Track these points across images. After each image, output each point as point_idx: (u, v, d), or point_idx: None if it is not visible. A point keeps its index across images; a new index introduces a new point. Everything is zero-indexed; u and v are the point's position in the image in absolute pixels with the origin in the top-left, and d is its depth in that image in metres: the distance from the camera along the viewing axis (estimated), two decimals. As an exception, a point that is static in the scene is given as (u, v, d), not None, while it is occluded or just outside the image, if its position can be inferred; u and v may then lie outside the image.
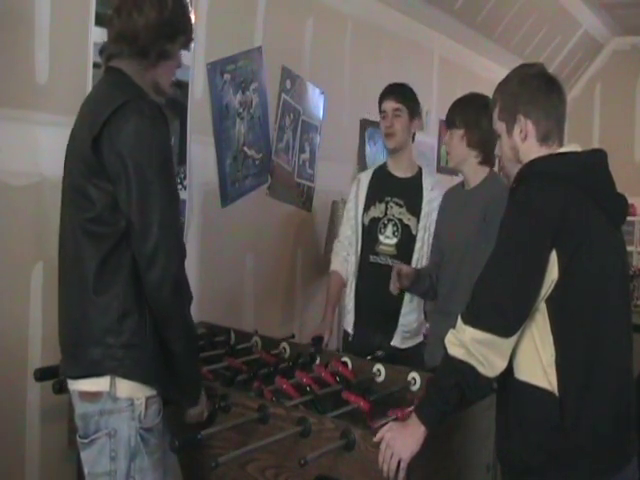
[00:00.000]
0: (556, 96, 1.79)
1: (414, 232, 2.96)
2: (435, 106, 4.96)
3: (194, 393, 1.94)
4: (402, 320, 2.95)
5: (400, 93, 3.02)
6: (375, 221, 3.02)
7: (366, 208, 3.05)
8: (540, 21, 5.77)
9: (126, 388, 1.77)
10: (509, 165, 1.84)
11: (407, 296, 2.94)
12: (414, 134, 3.07)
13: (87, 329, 1.78)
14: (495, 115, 1.85)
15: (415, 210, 2.97)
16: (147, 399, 1.80)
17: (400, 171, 3.06)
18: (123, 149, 1.72)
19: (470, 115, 2.59)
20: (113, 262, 1.77)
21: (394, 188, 3.03)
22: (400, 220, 2.98)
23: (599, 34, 6.84)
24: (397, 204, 3.00)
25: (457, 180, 2.93)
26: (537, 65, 1.85)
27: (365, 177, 3.13)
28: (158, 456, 1.84)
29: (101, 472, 1.79)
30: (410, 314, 2.96)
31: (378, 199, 3.03)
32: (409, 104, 3.00)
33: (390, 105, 2.99)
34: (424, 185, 3.01)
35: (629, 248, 6.97)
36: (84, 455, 1.83)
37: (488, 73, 5.23)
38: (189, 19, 1.95)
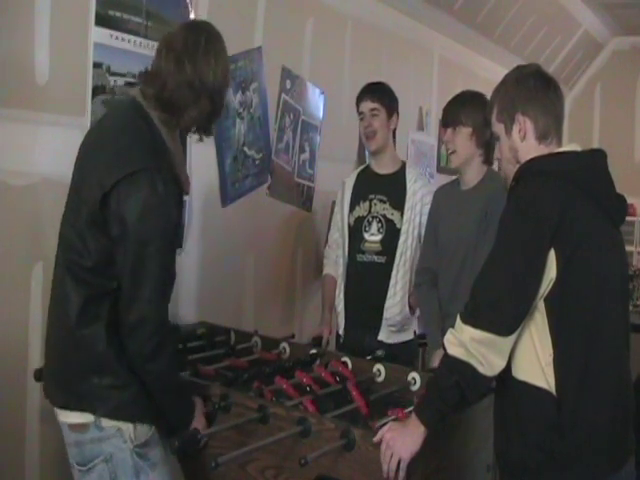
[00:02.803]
0: (553, 93, 1.79)
1: (398, 226, 2.98)
2: (435, 106, 4.96)
3: (183, 422, 1.92)
4: (386, 314, 2.98)
5: (376, 92, 3.03)
6: (360, 220, 3.04)
7: (351, 209, 3.08)
8: (540, 21, 5.77)
9: (111, 420, 1.78)
10: (509, 167, 1.84)
11: (391, 290, 2.97)
12: (394, 131, 3.09)
13: (73, 365, 1.80)
14: (493, 118, 1.85)
15: (398, 204, 2.99)
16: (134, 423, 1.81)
17: (383, 168, 3.09)
18: (128, 217, 1.71)
19: (477, 112, 2.55)
20: (97, 305, 1.77)
21: (377, 185, 3.06)
22: (384, 216, 3.00)
23: (599, 34, 6.84)
24: (381, 200, 3.02)
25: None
26: (532, 65, 1.86)
27: (349, 181, 3.16)
28: (161, 461, 1.84)
29: None
30: (393, 307, 2.98)
31: (362, 198, 3.06)
32: (386, 102, 3.02)
33: (367, 105, 3.01)
34: (407, 178, 3.03)
35: (629, 248, 6.97)
36: None
37: (488, 73, 5.23)
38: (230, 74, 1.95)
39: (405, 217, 2.96)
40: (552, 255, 1.62)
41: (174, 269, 1.84)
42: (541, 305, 1.65)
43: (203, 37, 1.82)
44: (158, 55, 1.83)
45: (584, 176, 1.71)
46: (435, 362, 2.67)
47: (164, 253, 1.77)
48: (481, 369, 1.64)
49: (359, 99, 3.05)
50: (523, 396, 1.68)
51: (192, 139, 2.95)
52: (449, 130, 2.65)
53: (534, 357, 1.67)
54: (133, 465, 1.79)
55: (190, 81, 1.79)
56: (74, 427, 1.81)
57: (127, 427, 1.79)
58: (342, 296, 3.07)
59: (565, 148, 1.78)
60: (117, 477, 1.78)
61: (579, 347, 1.65)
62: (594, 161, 1.77)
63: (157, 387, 1.82)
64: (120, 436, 1.78)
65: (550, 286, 1.63)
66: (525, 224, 1.65)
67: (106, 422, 1.77)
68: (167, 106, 1.81)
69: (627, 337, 1.78)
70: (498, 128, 1.84)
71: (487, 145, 2.59)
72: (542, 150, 1.77)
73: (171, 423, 1.89)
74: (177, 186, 1.81)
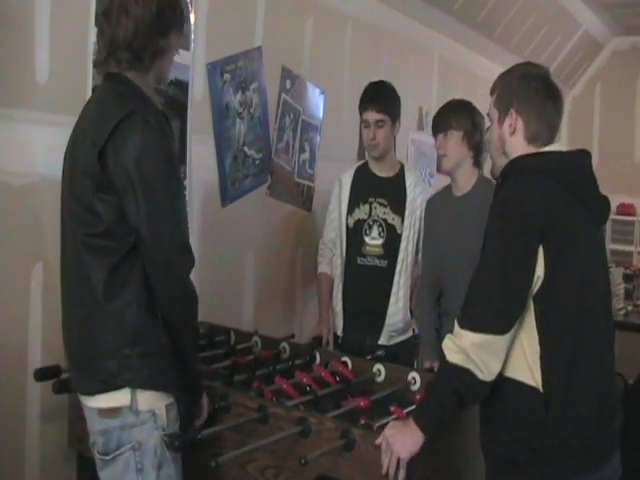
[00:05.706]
0: (552, 104, 1.79)
1: (399, 231, 2.98)
2: (435, 106, 4.92)
3: (200, 387, 1.94)
4: (388, 320, 2.98)
5: (381, 102, 2.97)
6: (360, 223, 3.03)
7: (350, 210, 3.06)
8: (540, 21, 5.77)
9: (147, 400, 1.75)
10: (495, 153, 1.88)
11: (393, 297, 2.97)
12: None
13: (101, 342, 1.75)
14: (492, 100, 1.86)
15: (399, 209, 2.99)
16: (167, 407, 1.79)
17: (382, 171, 3.08)
18: (129, 162, 1.70)
19: (466, 117, 2.67)
20: (122, 273, 1.75)
21: (377, 188, 3.04)
22: (385, 220, 3.00)
23: (599, 34, 6.84)
24: (381, 204, 3.02)
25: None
26: (543, 68, 1.85)
27: (347, 178, 3.12)
28: (180, 460, 1.84)
29: None
30: (396, 314, 2.98)
31: (362, 200, 3.05)
32: (391, 112, 2.98)
33: (372, 116, 2.96)
34: (407, 183, 3.03)
35: (629, 248, 6.97)
36: (105, 473, 1.80)
37: (488, 73, 5.21)
38: (179, 8, 1.88)
39: (406, 223, 2.97)
40: (540, 252, 1.63)
41: (185, 199, 1.85)
42: (529, 303, 1.66)
43: None
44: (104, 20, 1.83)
45: (568, 175, 1.73)
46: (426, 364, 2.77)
47: (173, 185, 1.76)
48: (480, 375, 1.64)
49: (363, 107, 2.99)
50: (510, 393, 1.69)
51: (192, 139, 2.98)
52: (440, 135, 2.72)
53: (521, 354, 1.68)
54: (160, 454, 1.76)
55: (112, 40, 1.79)
56: (105, 412, 1.76)
57: (161, 412, 1.76)
58: (340, 297, 3.07)
59: (550, 148, 1.79)
60: (143, 467, 1.75)
61: (565, 344, 1.67)
62: (578, 161, 1.79)
63: (187, 332, 1.82)
64: (154, 421, 1.75)
65: (538, 284, 1.64)
66: (513, 221, 1.66)
67: (142, 404, 1.74)
68: (134, 58, 1.80)
69: (611, 334, 1.81)
70: (493, 113, 1.85)
71: (477, 148, 2.67)
72: (529, 150, 1.78)
73: (191, 382, 1.87)
74: (165, 117, 1.81)
